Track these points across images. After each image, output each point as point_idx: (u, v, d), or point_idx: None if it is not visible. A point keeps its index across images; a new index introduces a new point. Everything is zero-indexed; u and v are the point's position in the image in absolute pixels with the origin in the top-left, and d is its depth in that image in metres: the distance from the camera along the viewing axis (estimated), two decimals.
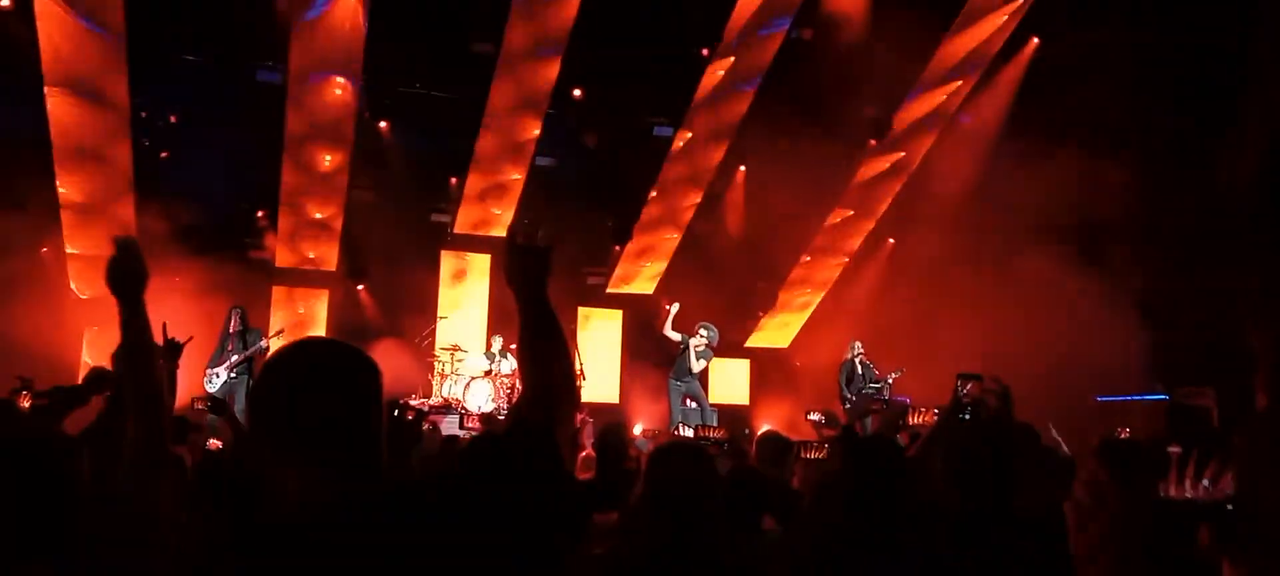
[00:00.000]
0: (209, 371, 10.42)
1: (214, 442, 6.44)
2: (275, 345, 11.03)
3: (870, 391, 11.66)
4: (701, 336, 11.63)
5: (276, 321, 12.02)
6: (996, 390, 3.20)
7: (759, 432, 7.15)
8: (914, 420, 8.90)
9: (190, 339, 4.62)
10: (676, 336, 11.73)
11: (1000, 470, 2.87)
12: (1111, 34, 10.83)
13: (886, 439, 3.42)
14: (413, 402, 10.32)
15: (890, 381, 11.67)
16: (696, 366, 11.65)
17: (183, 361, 4.64)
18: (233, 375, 10.51)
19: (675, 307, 11.83)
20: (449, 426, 10.61)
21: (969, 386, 3.19)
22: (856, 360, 11.91)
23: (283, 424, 1.66)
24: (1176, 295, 10.96)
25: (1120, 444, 3.83)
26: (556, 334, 2.00)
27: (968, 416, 3.12)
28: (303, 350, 1.75)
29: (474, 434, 8.96)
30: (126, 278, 2.16)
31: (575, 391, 2.01)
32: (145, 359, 2.13)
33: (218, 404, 5.14)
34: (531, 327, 2.00)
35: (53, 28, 9.61)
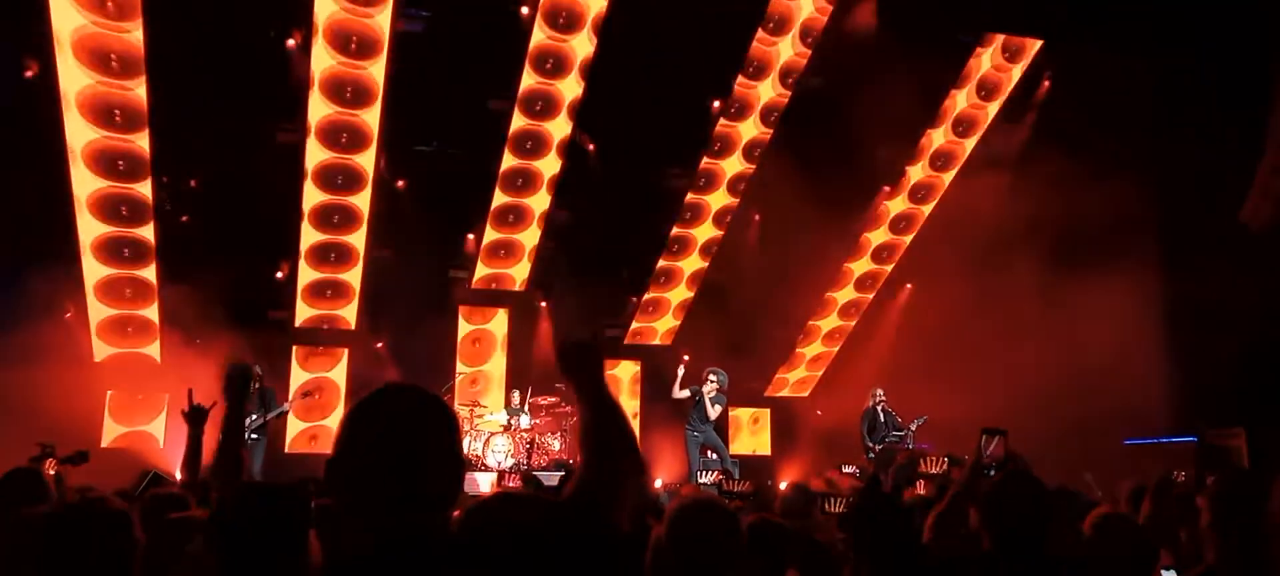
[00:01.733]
0: None
1: None
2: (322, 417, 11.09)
3: (893, 439, 11.51)
4: (712, 381, 11.58)
5: (297, 382, 12.05)
6: (1019, 459, 3.18)
7: (783, 486, 7.05)
8: (925, 467, 8.79)
9: (214, 404, 4.62)
10: (686, 393, 11.67)
11: (1034, 517, 2.83)
12: (1130, 66, 10.84)
13: (890, 506, 3.40)
14: None
15: (913, 429, 11.51)
16: (713, 412, 11.58)
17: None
18: (252, 437, 10.51)
19: (682, 370, 11.81)
20: (476, 483, 10.57)
21: (995, 441, 3.15)
22: (878, 408, 11.76)
23: (363, 464, 1.74)
24: (1206, 334, 10.83)
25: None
26: (618, 425, 2.02)
27: (992, 473, 3.08)
28: (387, 396, 1.83)
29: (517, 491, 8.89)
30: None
31: (642, 471, 2.05)
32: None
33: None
34: (591, 421, 2.03)
35: (77, 93, 9.79)
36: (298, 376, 12.21)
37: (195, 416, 4.45)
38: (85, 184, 10.28)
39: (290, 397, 11.11)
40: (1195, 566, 3.20)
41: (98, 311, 11.02)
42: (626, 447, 2.01)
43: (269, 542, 2.14)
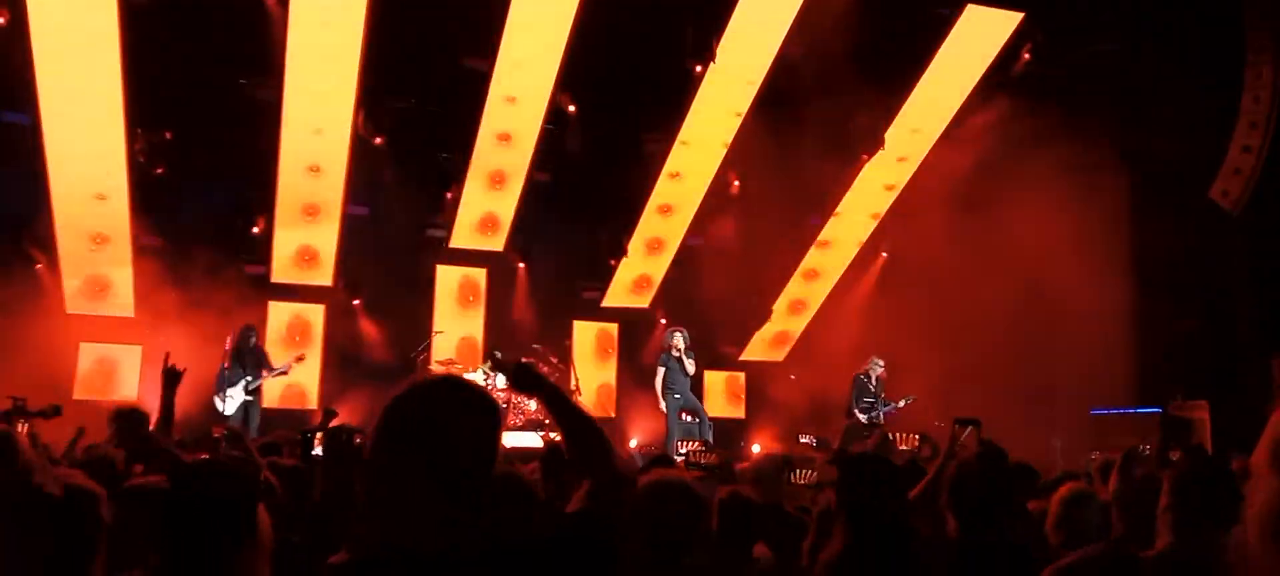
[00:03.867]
0: (226, 393, 10.39)
1: None
2: (296, 371, 11.08)
3: (882, 408, 11.61)
4: (679, 338, 11.66)
5: (272, 336, 11.99)
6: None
7: (753, 456, 7.14)
8: (897, 443, 8.90)
9: (186, 370, 4.64)
10: (662, 370, 11.70)
11: (1001, 502, 2.89)
12: (1107, 46, 10.91)
13: (876, 455, 3.43)
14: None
15: (899, 406, 11.59)
16: (691, 368, 11.68)
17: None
18: (247, 398, 10.54)
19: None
20: None
21: (967, 431, 3.22)
22: (873, 376, 11.73)
23: (410, 461, 1.75)
24: (1174, 305, 11.01)
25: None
26: (582, 424, 2.05)
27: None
28: (432, 391, 1.85)
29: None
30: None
31: (625, 473, 2.10)
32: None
33: (235, 437, 5.08)
34: (563, 430, 2.07)
35: (48, 43, 9.61)
36: (273, 331, 12.15)
37: (168, 380, 4.47)
38: (57, 136, 10.12)
39: (274, 361, 11.06)
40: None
41: (70, 263, 10.90)
42: (609, 458, 2.03)
43: (216, 521, 2.13)
